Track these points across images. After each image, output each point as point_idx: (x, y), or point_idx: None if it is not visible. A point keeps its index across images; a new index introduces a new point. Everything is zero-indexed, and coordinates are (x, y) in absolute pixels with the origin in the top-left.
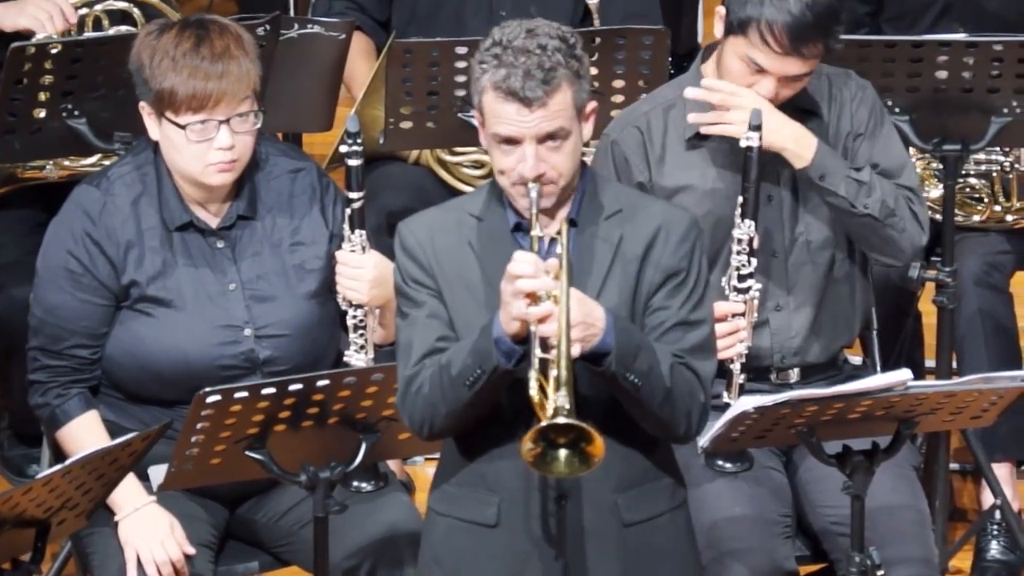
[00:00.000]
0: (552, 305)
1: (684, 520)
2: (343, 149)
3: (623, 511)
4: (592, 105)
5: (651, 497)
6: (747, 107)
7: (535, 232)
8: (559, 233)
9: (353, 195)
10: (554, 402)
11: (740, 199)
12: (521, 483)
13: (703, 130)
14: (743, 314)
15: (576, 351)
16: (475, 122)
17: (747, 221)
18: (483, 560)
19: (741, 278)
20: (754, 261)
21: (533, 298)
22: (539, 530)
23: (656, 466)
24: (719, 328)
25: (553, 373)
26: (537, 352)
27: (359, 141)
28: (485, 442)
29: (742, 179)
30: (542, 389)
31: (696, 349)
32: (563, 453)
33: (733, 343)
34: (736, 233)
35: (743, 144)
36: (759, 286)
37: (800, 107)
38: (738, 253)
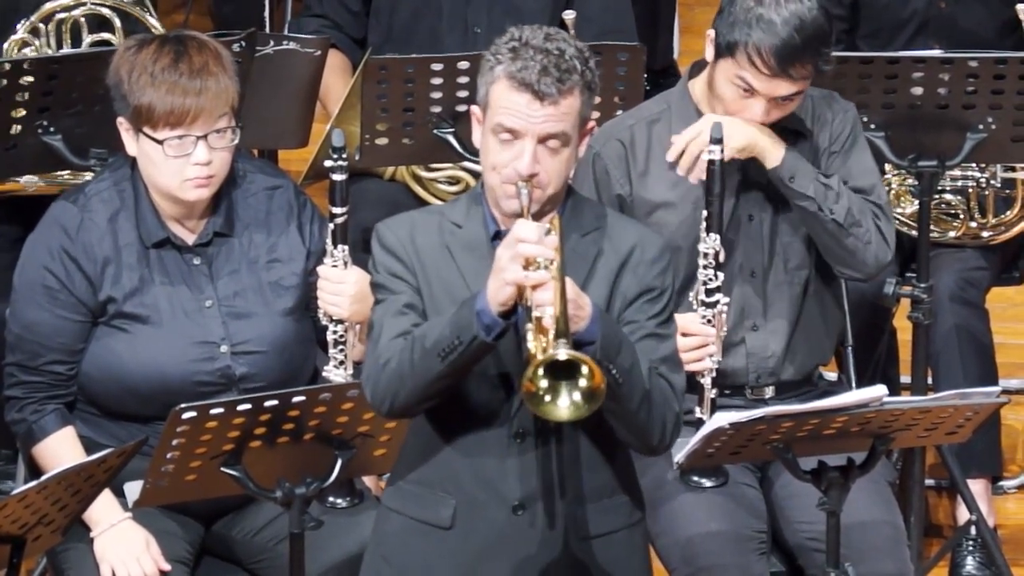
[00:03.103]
0: (547, 273)
1: (640, 538)
2: (328, 163)
3: (580, 524)
4: (591, 124)
5: (609, 513)
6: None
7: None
8: (551, 222)
9: (336, 210)
10: (554, 347)
11: (704, 213)
12: (479, 488)
13: (689, 175)
14: (712, 326)
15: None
16: (452, 138)
17: (712, 235)
18: (433, 561)
19: (708, 292)
20: (720, 275)
21: (530, 264)
22: (493, 536)
23: (616, 482)
24: (687, 342)
25: (551, 337)
26: (535, 313)
27: (344, 156)
28: (449, 443)
29: (705, 193)
30: (539, 345)
31: (668, 360)
32: (563, 394)
33: (702, 356)
34: (702, 247)
35: (705, 157)
36: (727, 300)
37: (786, 127)
38: (704, 267)
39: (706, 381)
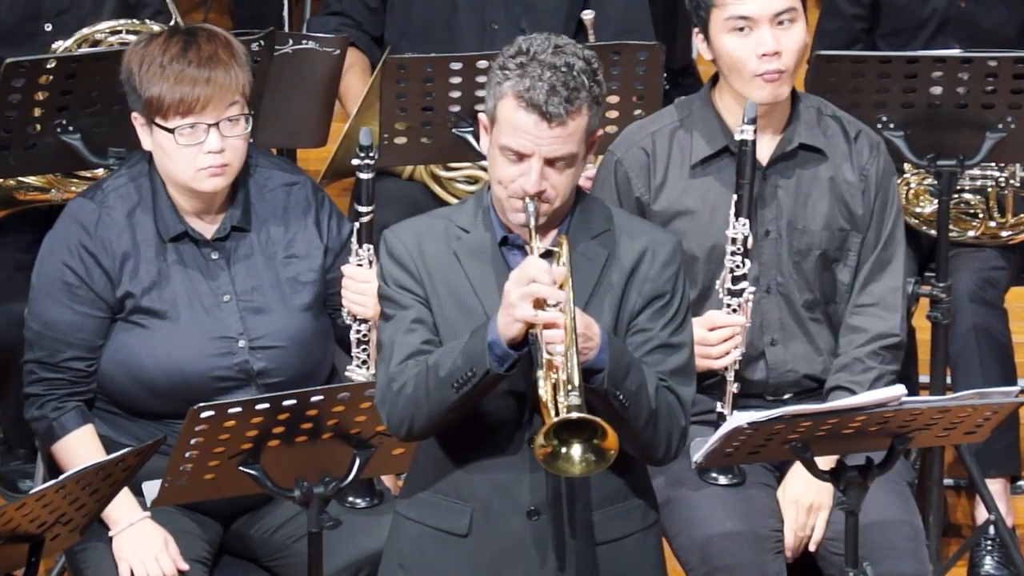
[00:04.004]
0: (558, 312)
1: (654, 541)
2: (355, 162)
3: (595, 529)
4: (599, 132)
5: (623, 517)
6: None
7: (535, 244)
8: (557, 246)
9: (362, 208)
10: (566, 401)
11: (735, 196)
12: (495, 495)
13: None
14: (739, 314)
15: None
16: (471, 137)
17: (741, 219)
18: (451, 569)
19: (735, 280)
20: (748, 263)
21: (539, 303)
22: (509, 543)
23: (630, 486)
24: (717, 335)
25: (561, 376)
26: (544, 355)
27: (371, 154)
28: (463, 452)
29: (736, 175)
30: (551, 389)
31: (678, 372)
32: (577, 450)
33: (729, 349)
34: (730, 233)
35: (737, 137)
36: (752, 288)
37: (806, 144)
38: (732, 254)
39: (729, 374)
